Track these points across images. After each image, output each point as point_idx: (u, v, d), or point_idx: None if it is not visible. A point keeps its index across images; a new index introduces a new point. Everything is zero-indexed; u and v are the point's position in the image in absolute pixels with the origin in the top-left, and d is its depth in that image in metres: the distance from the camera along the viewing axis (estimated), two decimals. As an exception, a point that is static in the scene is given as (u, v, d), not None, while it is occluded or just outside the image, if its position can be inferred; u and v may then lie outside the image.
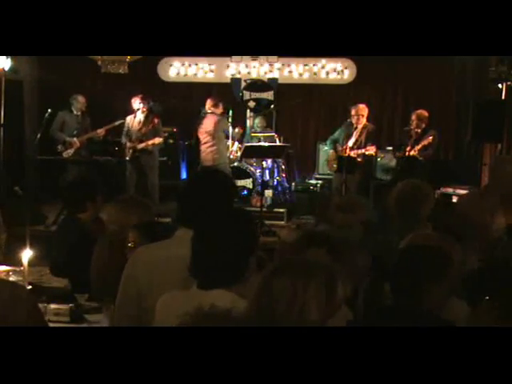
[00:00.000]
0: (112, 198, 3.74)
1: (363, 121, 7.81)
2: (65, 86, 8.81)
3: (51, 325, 2.87)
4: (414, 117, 8.01)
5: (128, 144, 7.96)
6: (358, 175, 7.81)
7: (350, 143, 7.77)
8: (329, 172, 8.55)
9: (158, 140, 8.00)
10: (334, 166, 7.95)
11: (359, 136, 7.78)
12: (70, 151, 8.26)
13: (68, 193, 4.12)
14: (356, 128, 7.82)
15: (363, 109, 7.84)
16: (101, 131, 8.26)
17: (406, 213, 3.36)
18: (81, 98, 8.39)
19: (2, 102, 7.95)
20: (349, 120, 7.96)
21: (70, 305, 3.10)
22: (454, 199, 7.68)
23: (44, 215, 7.30)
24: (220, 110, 7.99)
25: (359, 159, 7.71)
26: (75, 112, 8.40)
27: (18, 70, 8.75)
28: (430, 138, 7.66)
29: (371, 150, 7.66)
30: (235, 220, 2.10)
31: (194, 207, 2.43)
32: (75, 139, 8.25)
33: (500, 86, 7.94)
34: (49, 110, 8.20)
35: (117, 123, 8.19)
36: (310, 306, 1.55)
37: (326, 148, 8.74)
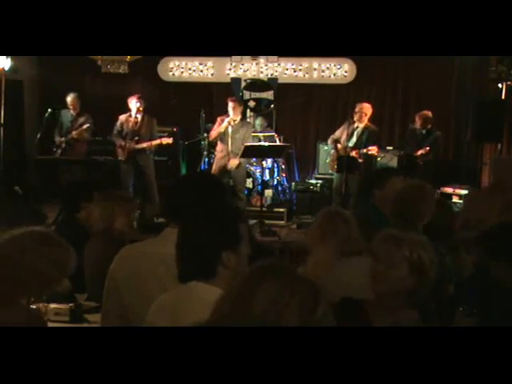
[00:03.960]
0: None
1: (365, 120, 7.79)
2: (65, 85, 8.79)
3: (51, 324, 2.87)
4: (417, 118, 8.03)
5: (127, 145, 7.86)
6: (359, 175, 7.80)
7: (351, 143, 7.76)
8: (329, 172, 8.54)
9: (165, 140, 7.88)
10: (335, 167, 7.95)
11: (360, 136, 7.77)
12: (59, 151, 8.24)
13: (65, 193, 4.14)
14: (357, 127, 7.81)
15: (368, 108, 7.83)
16: (75, 133, 8.21)
17: (402, 212, 3.36)
18: (70, 97, 8.32)
19: (2, 102, 7.95)
20: (349, 120, 7.95)
21: (70, 305, 3.11)
22: (454, 199, 7.70)
23: (44, 215, 7.28)
24: (240, 112, 7.88)
25: (360, 159, 7.71)
26: (70, 111, 8.38)
27: (18, 69, 8.74)
28: (428, 148, 7.74)
29: (373, 151, 7.65)
30: (215, 217, 2.12)
31: (175, 203, 2.51)
32: (62, 139, 8.23)
33: (500, 85, 7.94)
34: (49, 110, 8.20)
35: (85, 127, 8.17)
36: (287, 316, 1.52)
37: (326, 148, 8.74)
